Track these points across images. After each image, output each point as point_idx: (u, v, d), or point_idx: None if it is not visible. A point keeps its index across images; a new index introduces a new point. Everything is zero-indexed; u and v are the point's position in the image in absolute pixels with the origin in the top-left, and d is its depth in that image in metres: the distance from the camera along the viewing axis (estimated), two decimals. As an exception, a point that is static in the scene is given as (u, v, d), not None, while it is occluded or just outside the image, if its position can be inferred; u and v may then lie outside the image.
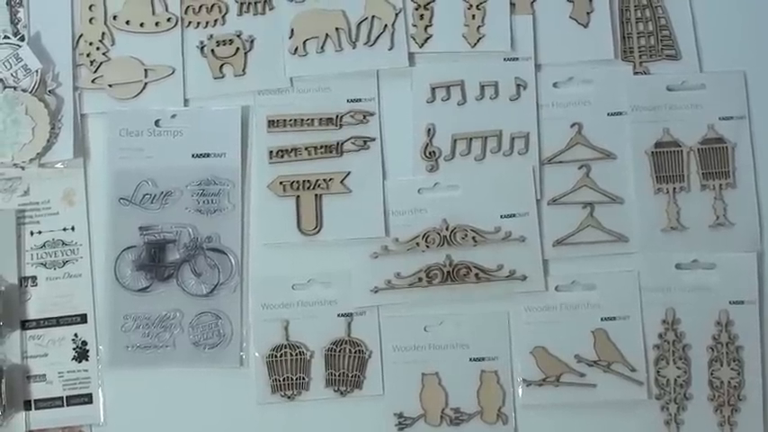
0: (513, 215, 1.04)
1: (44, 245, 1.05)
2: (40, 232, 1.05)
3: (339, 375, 1.03)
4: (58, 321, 1.04)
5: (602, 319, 1.03)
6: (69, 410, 1.03)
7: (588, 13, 1.07)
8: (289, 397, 1.03)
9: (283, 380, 1.03)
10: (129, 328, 1.03)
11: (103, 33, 1.07)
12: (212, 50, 1.07)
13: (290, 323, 1.04)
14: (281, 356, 1.03)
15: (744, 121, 1.06)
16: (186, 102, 1.07)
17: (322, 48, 1.06)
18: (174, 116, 1.06)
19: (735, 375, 1.02)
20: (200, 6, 1.08)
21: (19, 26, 1.07)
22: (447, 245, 1.04)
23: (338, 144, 1.05)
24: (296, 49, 1.06)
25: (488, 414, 1.03)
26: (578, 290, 1.04)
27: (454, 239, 1.04)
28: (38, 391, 1.03)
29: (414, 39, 1.07)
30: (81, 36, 1.07)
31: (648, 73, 1.07)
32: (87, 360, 1.04)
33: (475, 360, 1.03)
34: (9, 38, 1.06)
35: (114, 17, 1.08)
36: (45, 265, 1.05)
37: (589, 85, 1.06)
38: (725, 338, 1.03)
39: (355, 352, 1.03)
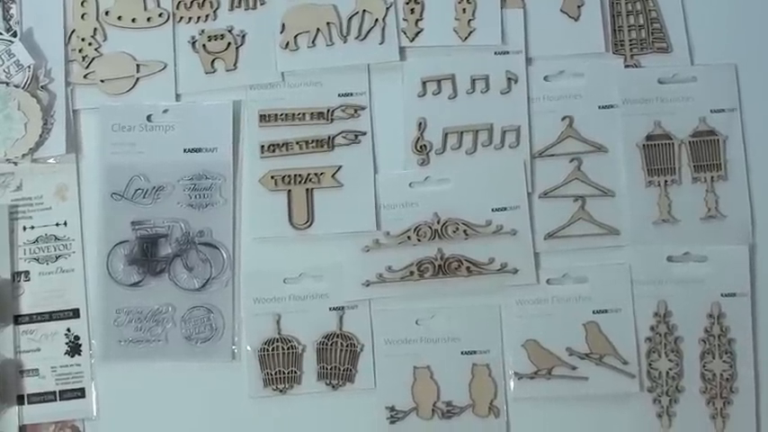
0: (505, 208, 1.04)
1: (37, 240, 1.05)
2: (32, 227, 1.06)
3: (331, 369, 1.03)
4: (51, 316, 1.04)
5: (593, 312, 1.03)
6: (62, 405, 1.04)
7: (579, 7, 1.07)
8: (281, 390, 1.03)
9: (275, 373, 1.03)
10: (121, 323, 1.04)
11: (95, 29, 1.08)
12: (204, 45, 1.07)
13: (282, 317, 1.04)
14: (272, 350, 1.03)
15: (735, 113, 1.06)
16: (178, 97, 1.07)
17: (313, 42, 1.06)
18: (165, 111, 1.06)
19: (727, 368, 1.02)
20: (192, 2, 1.08)
21: (11, 22, 1.07)
22: (438, 238, 1.04)
23: (329, 138, 1.06)
24: (287, 43, 1.07)
25: (480, 407, 1.03)
26: (570, 283, 1.04)
27: (445, 233, 1.04)
28: (31, 385, 1.04)
29: (404, 33, 1.07)
30: (73, 32, 1.07)
31: (639, 66, 1.07)
32: (80, 354, 1.04)
33: (467, 353, 1.03)
34: (1, 34, 1.06)
35: (106, 13, 1.08)
36: (38, 260, 1.05)
37: (580, 78, 1.06)
38: (717, 331, 1.03)
39: (347, 345, 1.03)
